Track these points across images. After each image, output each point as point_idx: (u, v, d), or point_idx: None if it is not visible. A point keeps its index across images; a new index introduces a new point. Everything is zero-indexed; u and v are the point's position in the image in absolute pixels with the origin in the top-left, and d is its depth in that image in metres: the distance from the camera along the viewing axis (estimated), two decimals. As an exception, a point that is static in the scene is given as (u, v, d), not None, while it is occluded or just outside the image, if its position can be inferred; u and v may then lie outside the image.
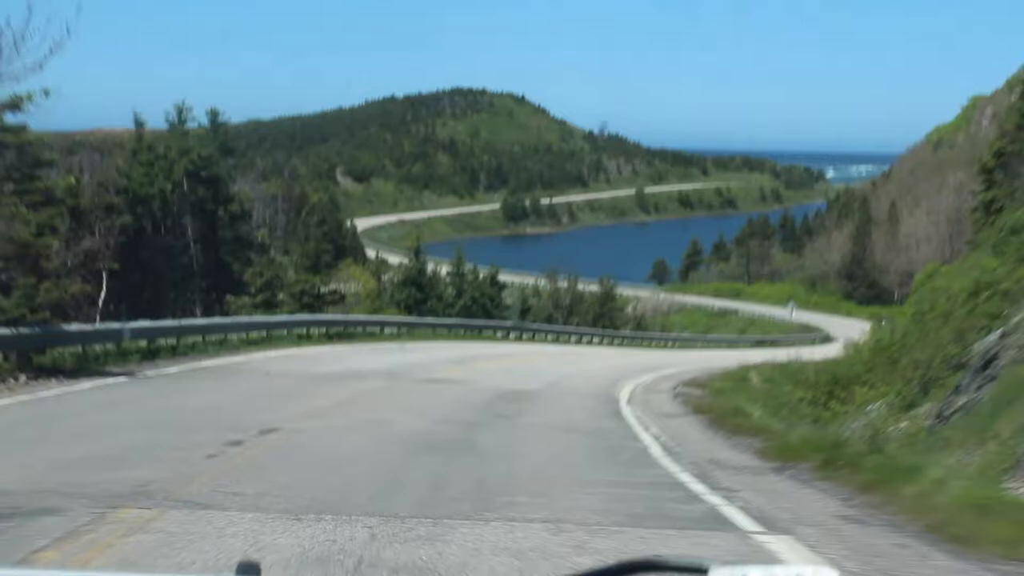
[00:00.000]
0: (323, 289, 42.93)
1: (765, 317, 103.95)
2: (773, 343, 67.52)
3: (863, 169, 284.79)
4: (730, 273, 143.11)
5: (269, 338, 28.15)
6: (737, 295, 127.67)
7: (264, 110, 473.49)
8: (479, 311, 52.67)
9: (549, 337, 47.32)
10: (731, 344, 65.25)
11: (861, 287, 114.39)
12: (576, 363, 31.43)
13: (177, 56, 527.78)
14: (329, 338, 31.30)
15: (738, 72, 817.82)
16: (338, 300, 43.55)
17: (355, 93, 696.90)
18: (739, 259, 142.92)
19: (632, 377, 25.78)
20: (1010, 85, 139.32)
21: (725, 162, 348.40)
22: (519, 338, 44.30)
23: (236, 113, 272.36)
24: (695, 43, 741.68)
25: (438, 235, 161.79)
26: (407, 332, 36.95)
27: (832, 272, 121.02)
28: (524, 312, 60.56)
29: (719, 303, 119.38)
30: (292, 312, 38.54)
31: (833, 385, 25.94)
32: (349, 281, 48.83)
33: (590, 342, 50.61)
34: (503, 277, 63.68)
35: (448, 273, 56.68)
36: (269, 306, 42.28)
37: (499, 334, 43.99)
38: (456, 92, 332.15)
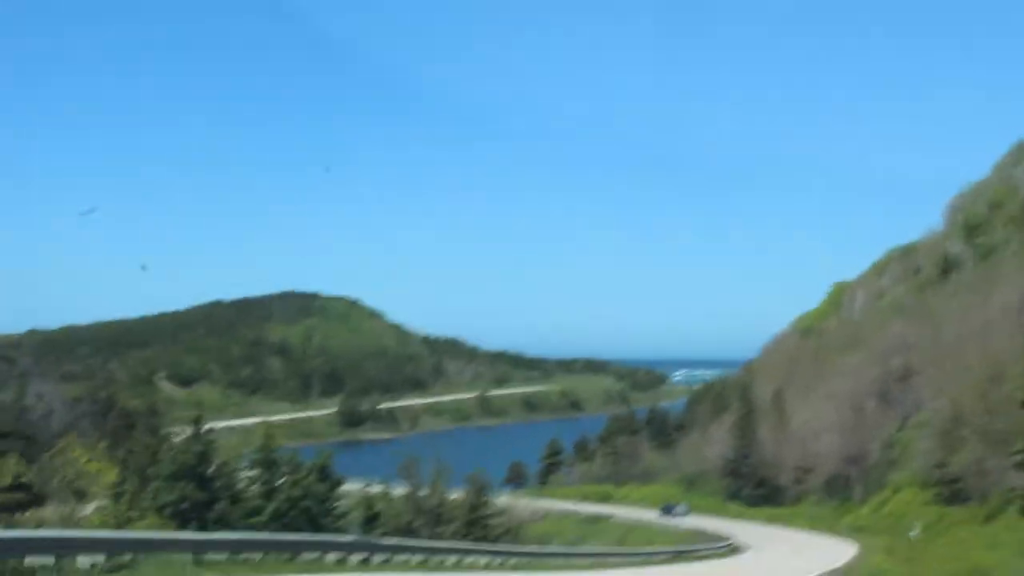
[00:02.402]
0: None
1: (643, 523, 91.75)
2: (688, 554, 55.49)
3: (707, 373, 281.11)
4: (595, 474, 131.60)
5: None
6: (607, 498, 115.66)
7: (80, 315, 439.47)
8: (301, 519, 34.45)
9: (415, 560, 29.50)
10: (647, 559, 49.81)
11: (748, 485, 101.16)
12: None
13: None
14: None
15: (577, 281, 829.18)
16: (29, 502, 25.45)
17: (180, 297, 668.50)
18: (605, 459, 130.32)
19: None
20: (877, 269, 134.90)
21: (567, 365, 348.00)
22: (366, 564, 26.48)
23: (49, 318, 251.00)
24: (530, 247, 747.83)
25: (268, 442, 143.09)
26: (132, 567, 17.57)
27: (712, 470, 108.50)
28: (370, 520, 42.96)
29: (588, 508, 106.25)
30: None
31: None
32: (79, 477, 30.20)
33: (474, 565, 33.17)
34: (344, 487, 46.19)
35: (252, 461, 38.48)
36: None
37: (331, 557, 25.88)
38: (287, 296, 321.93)
